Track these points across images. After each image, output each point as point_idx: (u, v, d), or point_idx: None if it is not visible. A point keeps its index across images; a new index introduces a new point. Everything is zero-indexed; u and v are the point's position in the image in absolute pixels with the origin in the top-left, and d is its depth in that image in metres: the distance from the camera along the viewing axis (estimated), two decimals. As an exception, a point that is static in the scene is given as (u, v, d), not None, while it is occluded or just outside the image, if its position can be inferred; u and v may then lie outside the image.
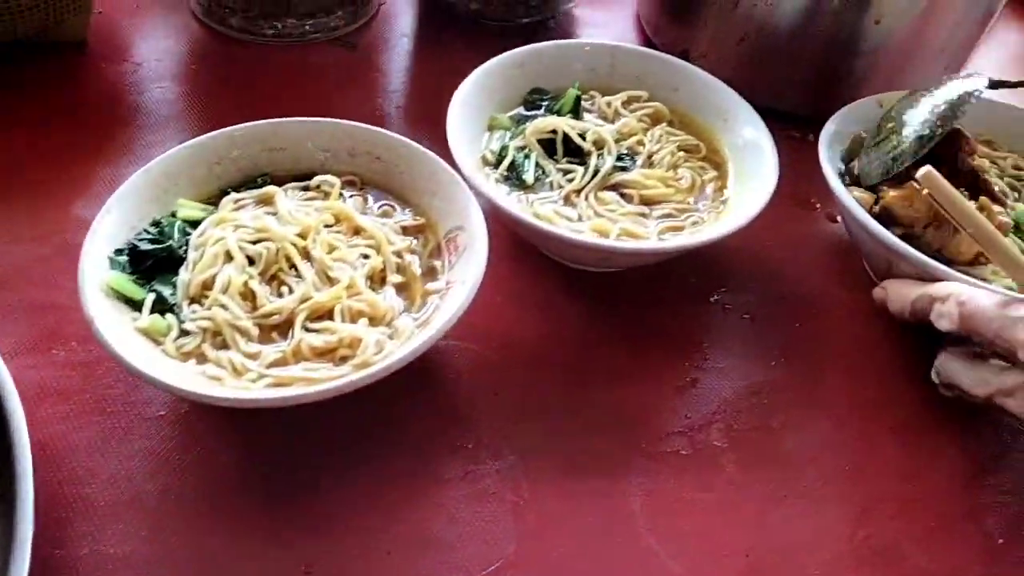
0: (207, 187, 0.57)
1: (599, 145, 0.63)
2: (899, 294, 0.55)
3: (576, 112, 0.67)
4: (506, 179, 0.62)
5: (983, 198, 0.58)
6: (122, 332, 0.47)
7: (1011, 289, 0.54)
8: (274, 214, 0.55)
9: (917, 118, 0.60)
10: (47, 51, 0.75)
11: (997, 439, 0.57)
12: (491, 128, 0.66)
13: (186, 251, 0.52)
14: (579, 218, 0.59)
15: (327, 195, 0.57)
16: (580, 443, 0.54)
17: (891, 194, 0.57)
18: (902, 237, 0.58)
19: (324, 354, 0.49)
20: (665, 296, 0.63)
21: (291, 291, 0.51)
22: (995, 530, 0.52)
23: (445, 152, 0.57)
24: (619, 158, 0.63)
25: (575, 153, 0.64)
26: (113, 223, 0.51)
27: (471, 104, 0.64)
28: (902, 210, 0.57)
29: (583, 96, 0.69)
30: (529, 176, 0.61)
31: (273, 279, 0.52)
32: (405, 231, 0.57)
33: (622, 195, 0.62)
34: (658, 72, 0.70)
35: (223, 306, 0.49)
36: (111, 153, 0.69)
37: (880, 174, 0.59)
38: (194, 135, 0.57)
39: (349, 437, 0.52)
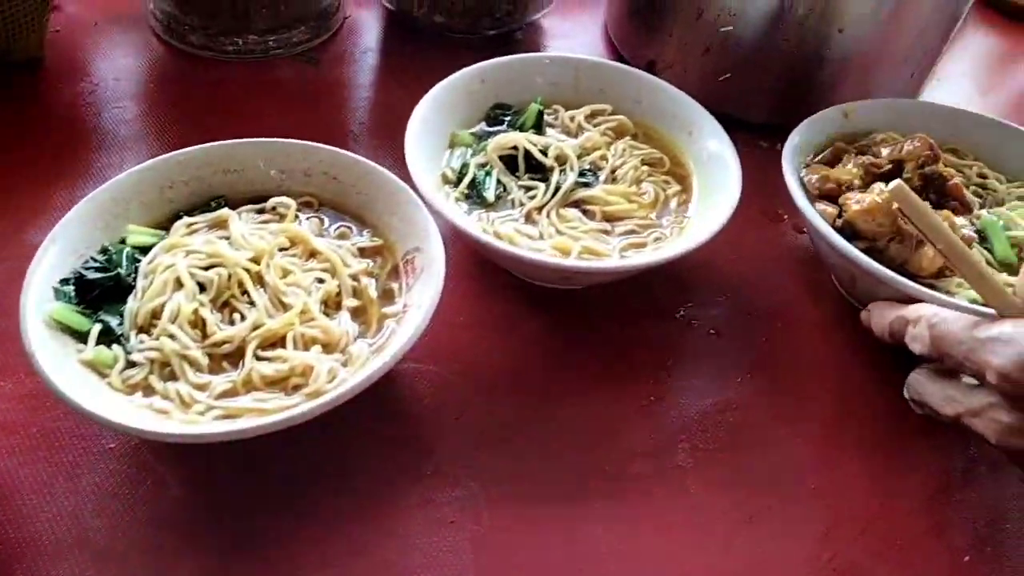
0: (159, 211, 0.56)
1: (561, 161, 0.63)
2: (881, 317, 0.54)
3: (539, 127, 0.66)
4: (467, 197, 0.61)
5: (945, 211, 0.57)
6: (65, 366, 0.45)
7: (975, 302, 0.54)
8: (227, 238, 0.54)
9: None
10: (1, 70, 0.74)
11: (964, 454, 0.56)
12: (452, 145, 0.65)
13: (135, 279, 0.51)
14: (540, 236, 0.58)
15: (283, 217, 0.56)
16: (542, 467, 0.53)
17: (854, 208, 0.57)
18: (866, 250, 0.57)
19: (276, 383, 0.48)
20: (630, 312, 0.62)
21: (243, 318, 0.50)
22: (961, 548, 0.51)
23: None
24: (582, 174, 0.62)
25: (537, 169, 0.63)
26: (58, 252, 0.50)
27: (431, 121, 0.63)
28: (865, 224, 0.56)
29: (546, 110, 0.68)
30: (490, 194, 0.60)
31: (225, 306, 0.51)
32: (362, 253, 0.56)
33: (584, 211, 0.61)
34: (621, 84, 0.69)
35: (171, 335, 0.48)
36: (67, 176, 0.67)
37: None
38: (153, 156, 0.56)
39: (304, 467, 0.51)
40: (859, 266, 0.54)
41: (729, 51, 0.75)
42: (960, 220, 0.58)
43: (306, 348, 0.49)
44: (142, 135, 0.72)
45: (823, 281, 0.66)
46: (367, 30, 0.88)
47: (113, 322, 0.49)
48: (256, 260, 0.52)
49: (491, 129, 0.67)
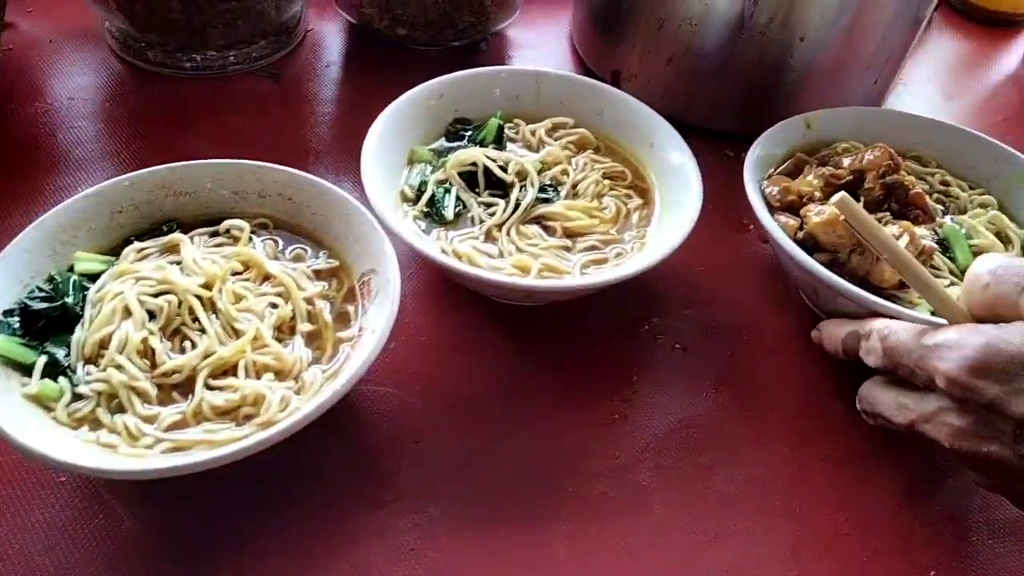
0: (110, 237, 0.55)
1: (522, 176, 0.62)
2: (832, 335, 0.55)
3: (500, 141, 0.66)
4: (426, 215, 0.60)
5: (905, 223, 0.57)
6: (8, 400, 0.44)
7: (936, 314, 0.54)
8: (179, 263, 0.53)
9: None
10: (-49, 92, 0.72)
11: (929, 467, 0.56)
12: (412, 161, 0.64)
13: (83, 308, 0.50)
14: (500, 254, 0.58)
15: (236, 240, 0.55)
16: (504, 490, 0.52)
17: (814, 220, 0.56)
18: (828, 262, 0.57)
19: (227, 413, 0.47)
20: (594, 328, 0.62)
21: (194, 346, 0.49)
22: (927, 563, 0.51)
23: (370, 186, 0.56)
24: (542, 189, 0.62)
25: (498, 185, 0.62)
26: (1, 283, 0.48)
27: (390, 137, 0.62)
28: (825, 236, 0.56)
29: (507, 124, 0.67)
30: (449, 212, 0.59)
31: (176, 334, 0.50)
32: (318, 275, 0.55)
33: (545, 228, 0.60)
34: (583, 96, 0.68)
35: (119, 366, 0.47)
36: (20, 200, 0.66)
37: None
38: (110, 177, 0.55)
39: (261, 496, 0.50)
40: (820, 279, 0.54)
41: (692, 61, 0.75)
42: (922, 230, 0.58)
43: (258, 376, 0.48)
44: (98, 156, 0.71)
45: (788, 291, 0.66)
46: (329, 43, 0.87)
47: (60, 353, 0.48)
48: (208, 285, 0.51)
49: (451, 144, 0.66)
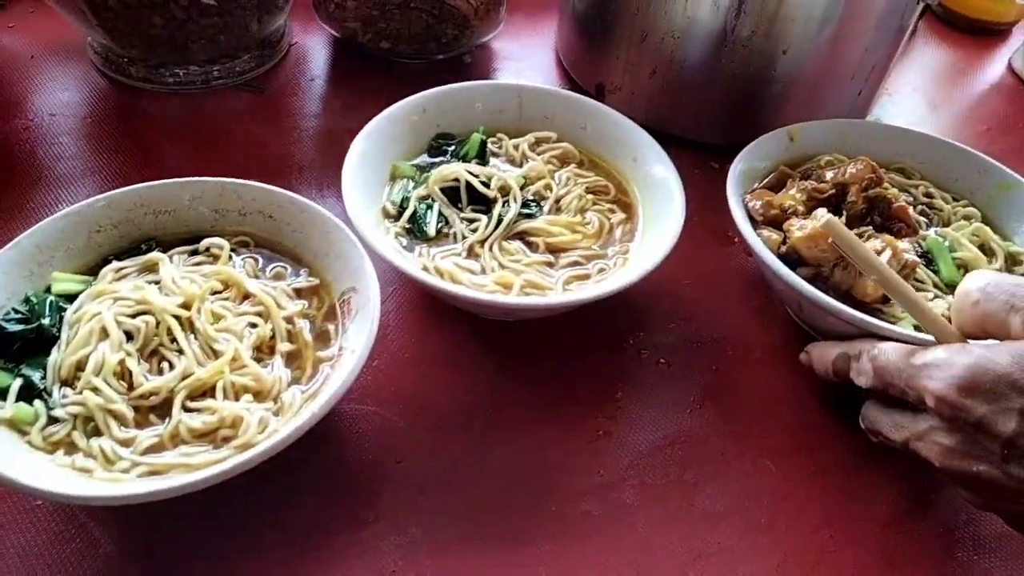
0: (88, 256, 0.54)
1: (504, 192, 0.62)
2: (821, 357, 0.55)
3: (482, 156, 0.65)
4: (408, 231, 0.60)
5: (888, 237, 0.57)
6: (-19, 425, 0.44)
7: (919, 328, 0.53)
8: (158, 282, 0.52)
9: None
10: (-70, 110, 0.72)
11: (915, 483, 0.55)
12: (394, 177, 0.64)
13: (59, 329, 0.49)
14: (482, 270, 0.57)
15: (216, 258, 0.55)
16: (488, 510, 0.51)
17: (797, 235, 0.56)
18: (812, 276, 0.57)
19: (204, 435, 0.46)
20: (578, 343, 0.61)
21: (172, 367, 0.48)
22: (912, 580, 0.51)
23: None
24: (525, 204, 0.61)
25: (481, 201, 0.62)
26: (-24, 305, 0.48)
27: (372, 153, 0.62)
28: (808, 251, 0.56)
29: (490, 139, 0.67)
30: (431, 228, 0.59)
31: (154, 355, 0.49)
32: (299, 293, 0.54)
33: (528, 243, 0.60)
34: (566, 111, 0.68)
35: (95, 389, 0.46)
36: (1, 219, 0.65)
37: None
38: (91, 194, 0.55)
39: (240, 519, 0.49)
40: (803, 295, 0.54)
41: (676, 73, 0.75)
42: (905, 244, 0.58)
43: (237, 397, 0.48)
44: (80, 172, 0.70)
45: (773, 304, 0.66)
46: (314, 57, 0.87)
47: (35, 376, 0.47)
48: (187, 305, 0.51)
49: (433, 160, 0.66)
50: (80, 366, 0.47)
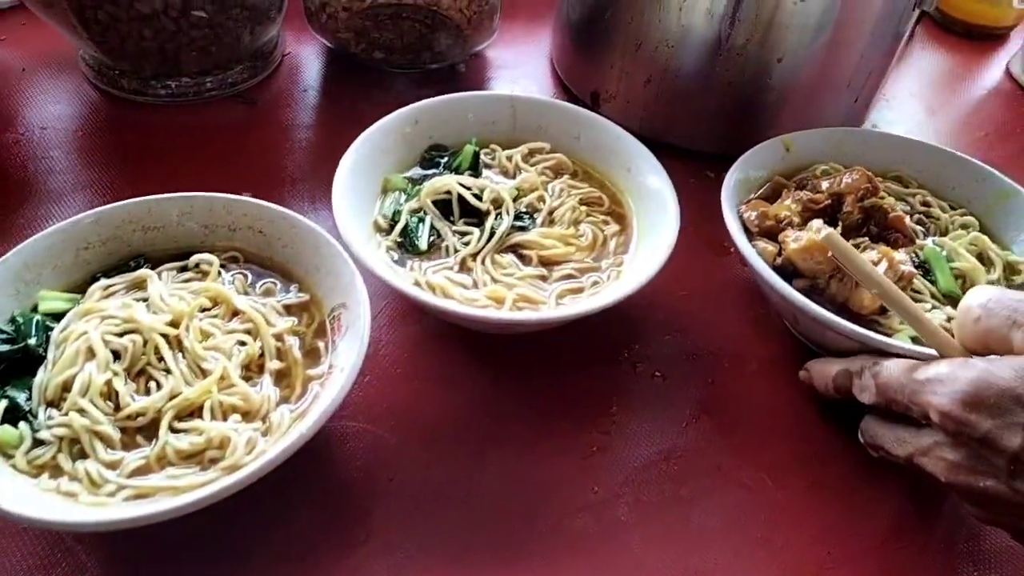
0: (76, 274, 0.54)
1: (497, 204, 0.61)
2: (821, 373, 0.54)
3: (475, 168, 0.65)
4: (399, 245, 0.59)
5: (884, 248, 0.56)
6: (-35, 449, 0.43)
7: (916, 340, 0.53)
8: (147, 300, 0.52)
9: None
10: (-80, 125, 0.71)
11: (913, 498, 0.55)
12: (386, 190, 0.63)
13: (46, 349, 0.49)
14: (474, 284, 0.57)
15: (206, 275, 0.54)
16: (480, 528, 0.51)
17: (792, 247, 0.55)
18: (808, 288, 0.56)
19: (191, 457, 0.45)
20: (573, 356, 0.61)
21: (159, 387, 0.48)
22: (911, 597, 0.50)
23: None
24: (518, 217, 0.61)
25: (474, 213, 0.61)
26: (-39, 326, 0.47)
27: (363, 166, 0.61)
28: (803, 263, 0.55)
29: (483, 150, 0.67)
30: (423, 242, 0.59)
31: (141, 374, 0.49)
32: (289, 310, 0.54)
33: (520, 256, 0.59)
34: (559, 121, 0.68)
35: (81, 410, 0.46)
36: (-9, 234, 0.65)
37: None
38: (83, 209, 0.54)
39: (230, 540, 0.48)
40: (799, 308, 0.53)
41: (670, 82, 0.74)
42: (902, 254, 0.57)
43: (225, 417, 0.47)
44: (71, 187, 0.70)
45: (770, 315, 0.65)
46: (307, 67, 0.87)
47: (21, 397, 0.47)
48: (175, 323, 0.50)
49: (426, 172, 0.65)
50: (66, 387, 0.47)
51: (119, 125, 0.76)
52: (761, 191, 0.64)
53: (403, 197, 0.62)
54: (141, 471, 0.45)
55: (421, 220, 0.60)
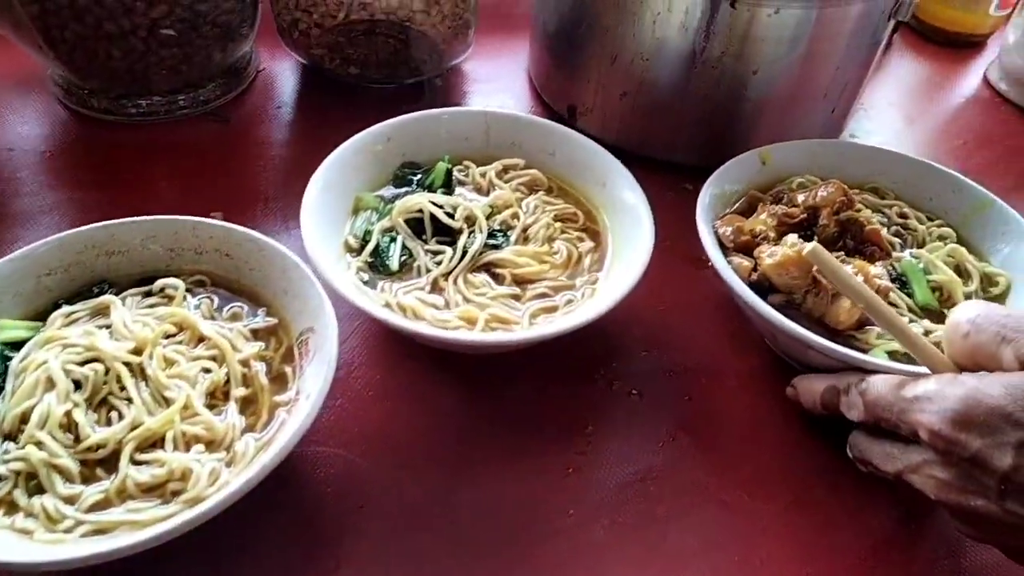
0: (37, 301, 0.53)
1: (470, 222, 0.60)
2: (808, 390, 0.54)
3: (448, 186, 0.64)
4: (370, 266, 0.58)
5: (860, 262, 0.56)
6: (-84, 486, 0.42)
7: (893, 354, 0.52)
8: (110, 327, 0.50)
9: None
10: None
11: (894, 514, 0.54)
12: (357, 209, 0.62)
13: (4, 380, 0.47)
14: (446, 305, 0.56)
15: (171, 299, 0.53)
16: (453, 554, 0.50)
17: (767, 262, 0.55)
18: (784, 303, 0.56)
19: (153, 489, 0.44)
20: (548, 375, 0.60)
21: (121, 417, 0.46)
22: (891, 618, 0.49)
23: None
24: (491, 235, 0.60)
25: (446, 232, 0.60)
26: (-84, 357, 0.46)
27: (334, 185, 0.60)
28: (779, 278, 0.55)
29: (457, 167, 0.66)
30: (394, 262, 0.58)
31: (103, 404, 0.47)
32: (256, 334, 0.53)
33: (494, 275, 0.58)
34: (534, 136, 0.67)
35: (39, 443, 0.45)
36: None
37: None
38: (51, 233, 0.53)
39: (193, 573, 0.47)
40: (775, 326, 0.52)
41: (646, 95, 0.74)
42: (878, 268, 0.57)
43: (188, 447, 0.46)
44: (38, 209, 0.69)
45: (748, 330, 0.64)
46: (282, 84, 0.86)
47: (-23, 431, 0.46)
48: (138, 350, 0.49)
49: (399, 190, 0.64)
50: (24, 418, 0.46)
51: (89, 145, 0.75)
52: (737, 205, 0.64)
53: (375, 216, 0.61)
54: (101, 505, 0.44)
55: (393, 240, 0.59)
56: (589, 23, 0.73)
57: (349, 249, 0.59)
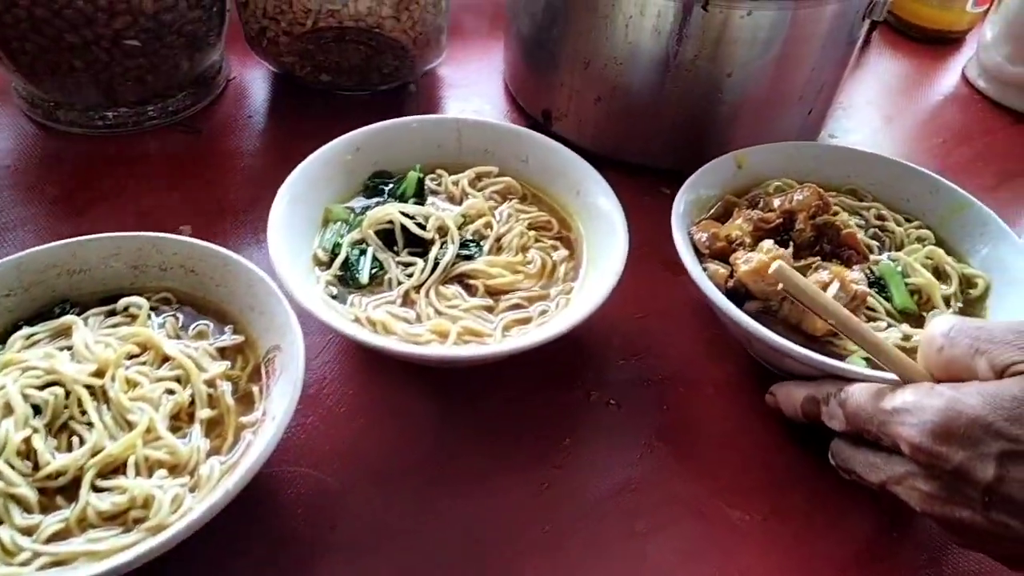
0: (-4, 323, 0.51)
1: (442, 232, 0.59)
2: (788, 398, 0.53)
3: (421, 195, 0.63)
4: (340, 280, 0.57)
5: (836, 268, 0.55)
6: None
7: (872, 360, 0.52)
8: (71, 348, 0.49)
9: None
10: None
11: (876, 523, 0.53)
12: (327, 221, 0.61)
13: (-39, 406, 0.46)
14: (418, 318, 0.55)
15: (135, 319, 0.52)
16: (428, 573, 0.49)
17: (743, 269, 0.54)
18: (760, 310, 0.55)
19: (114, 518, 0.43)
20: (524, 388, 0.59)
21: (82, 442, 0.45)
22: (872, 631, 0.49)
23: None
24: (464, 245, 0.59)
25: (418, 242, 0.59)
26: None
27: (303, 197, 0.59)
28: (755, 285, 0.54)
29: (429, 176, 0.65)
30: (363, 275, 0.57)
31: (64, 429, 0.46)
32: (223, 353, 0.52)
33: (466, 287, 0.57)
34: (507, 143, 0.66)
35: (-4, 472, 0.43)
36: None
37: None
38: (16, 250, 0.52)
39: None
40: (751, 334, 0.51)
41: (621, 99, 0.73)
42: (856, 273, 0.56)
43: (151, 472, 0.45)
44: (3, 226, 0.67)
45: (726, 337, 0.63)
46: (253, 93, 0.85)
47: (-68, 460, 0.44)
48: (100, 372, 0.48)
49: (369, 201, 0.63)
50: (-18, 447, 0.44)
51: (56, 159, 0.74)
52: (713, 210, 0.63)
53: (345, 228, 0.60)
54: (60, 535, 0.42)
55: (363, 252, 0.58)
56: (561, 27, 0.72)
57: (318, 263, 0.58)
